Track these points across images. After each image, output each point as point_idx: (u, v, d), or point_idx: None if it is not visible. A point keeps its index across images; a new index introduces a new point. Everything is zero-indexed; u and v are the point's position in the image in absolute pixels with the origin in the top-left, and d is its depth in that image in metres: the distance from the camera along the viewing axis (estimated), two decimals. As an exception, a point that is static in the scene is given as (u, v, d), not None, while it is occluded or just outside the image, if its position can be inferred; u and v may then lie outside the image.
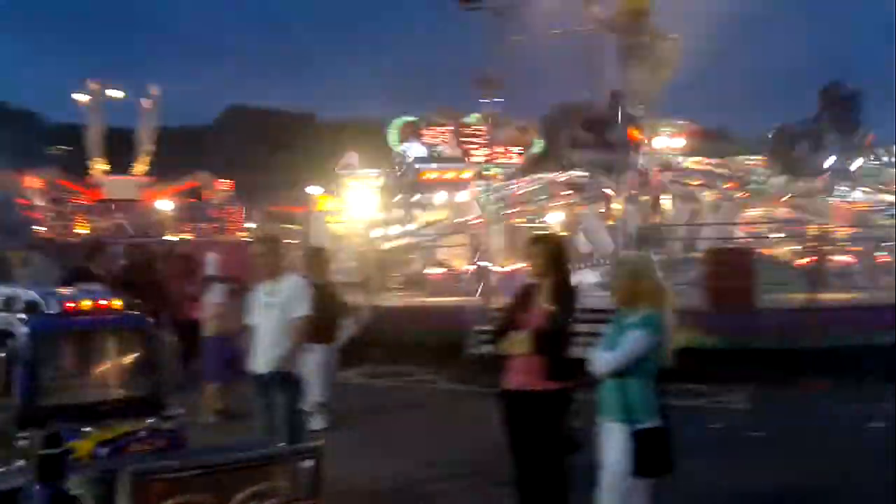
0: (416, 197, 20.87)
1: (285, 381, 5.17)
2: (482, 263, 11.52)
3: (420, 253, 18.44)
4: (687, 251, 13.47)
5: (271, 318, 5.25)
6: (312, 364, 7.59)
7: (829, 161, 13.53)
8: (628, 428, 3.68)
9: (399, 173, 22.35)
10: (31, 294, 4.24)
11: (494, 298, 10.63)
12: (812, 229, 13.41)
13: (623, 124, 15.15)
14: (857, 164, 13.60)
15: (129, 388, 4.37)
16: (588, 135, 15.48)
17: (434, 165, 22.19)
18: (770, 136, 15.64)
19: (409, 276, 17.08)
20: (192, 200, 33.28)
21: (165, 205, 30.15)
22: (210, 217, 30.66)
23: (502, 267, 14.12)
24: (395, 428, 7.71)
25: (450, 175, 21.25)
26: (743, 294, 10.01)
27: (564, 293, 4.31)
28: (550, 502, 4.35)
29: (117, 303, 4.35)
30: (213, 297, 8.25)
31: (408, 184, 21.74)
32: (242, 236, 29.54)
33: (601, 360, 3.79)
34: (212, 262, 9.57)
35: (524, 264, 4.68)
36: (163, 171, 34.37)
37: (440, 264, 16.38)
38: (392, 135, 22.29)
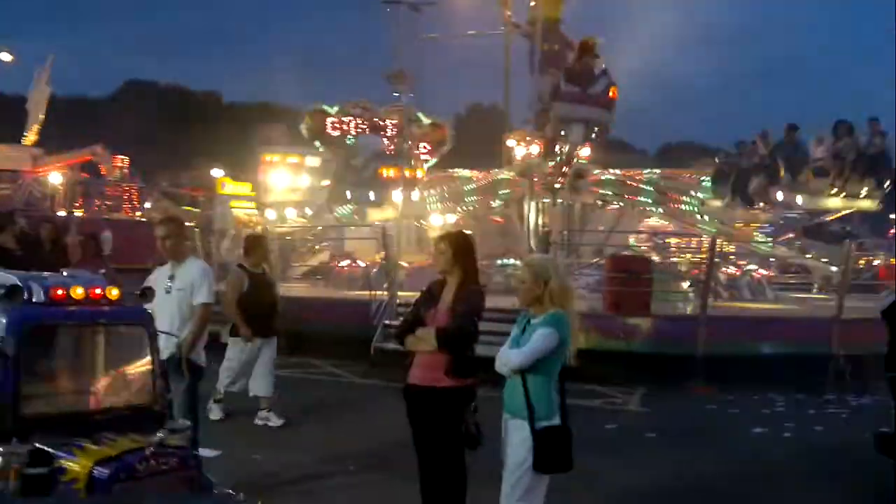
0: (370, 195, 20.45)
1: (183, 367, 5.04)
2: (390, 258, 11.53)
3: (328, 244, 18.31)
4: (595, 256, 13.87)
5: (172, 302, 5.12)
6: (235, 355, 7.59)
7: (779, 195, 14.45)
8: (530, 425, 3.77)
9: (361, 165, 21.95)
10: (10, 278, 3.53)
11: (402, 294, 10.67)
12: (705, 242, 14.03)
13: (604, 80, 15.35)
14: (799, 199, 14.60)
15: (128, 395, 3.77)
16: (572, 88, 15.53)
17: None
18: (717, 161, 16.39)
19: (315, 267, 16.92)
20: (86, 175, 31.85)
21: (56, 178, 28.71)
22: (105, 194, 29.40)
23: (410, 263, 14.18)
24: (298, 420, 7.63)
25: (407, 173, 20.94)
26: (639, 300, 10.41)
27: (471, 291, 4.38)
28: (450, 497, 4.43)
29: (114, 291, 3.65)
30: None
31: (365, 178, 21.37)
32: (138, 216, 28.53)
33: (507, 357, 3.87)
34: (107, 240, 9.25)
35: (432, 260, 4.72)
36: (55, 142, 32.74)
37: (348, 256, 16.27)
38: (306, 123, 21.95)
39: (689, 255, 16.63)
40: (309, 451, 6.52)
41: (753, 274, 14.73)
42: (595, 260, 13.41)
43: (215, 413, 7.51)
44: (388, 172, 21.49)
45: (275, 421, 7.42)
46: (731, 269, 14.71)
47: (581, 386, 8.92)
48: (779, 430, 7.75)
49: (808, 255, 15.65)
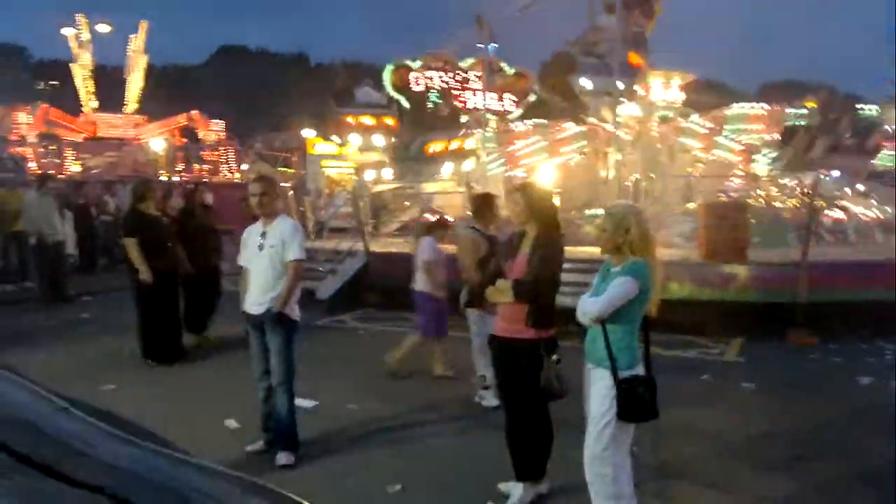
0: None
1: (279, 322, 5.23)
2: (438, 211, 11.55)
3: (416, 200, 18.46)
4: (684, 204, 13.52)
5: (264, 259, 5.29)
6: (479, 329, 6.58)
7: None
8: (613, 375, 3.75)
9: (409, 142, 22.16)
10: None
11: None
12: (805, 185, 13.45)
13: (623, 47, 15.04)
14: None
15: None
16: (589, 59, 15.27)
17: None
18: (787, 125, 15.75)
19: (405, 223, 17.12)
20: (184, 140, 33.03)
21: (158, 144, 29.92)
22: (203, 158, 30.44)
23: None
24: (384, 372, 7.83)
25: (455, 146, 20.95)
26: (735, 247, 10.09)
27: (547, 241, 4.36)
28: (535, 447, 4.48)
29: None
30: (424, 252, 7.57)
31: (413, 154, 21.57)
32: (236, 178, 29.38)
33: (587, 306, 3.84)
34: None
35: (509, 212, 4.70)
36: (153, 109, 34.08)
37: (437, 212, 16.38)
38: (387, 78, 21.97)
39: (792, 200, 15.99)
40: (407, 402, 6.69)
41: (860, 217, 14.04)
42: (688, 206, 13.06)
43: (489, 400, 6.50)
44: (436, 147, 21.43)
45: (490, 401, 6.44)
46: (838, 213, 14.06)
47: (676, 336, 8.79)
48: (889, 379, 7.42)
49: None
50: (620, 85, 15.86)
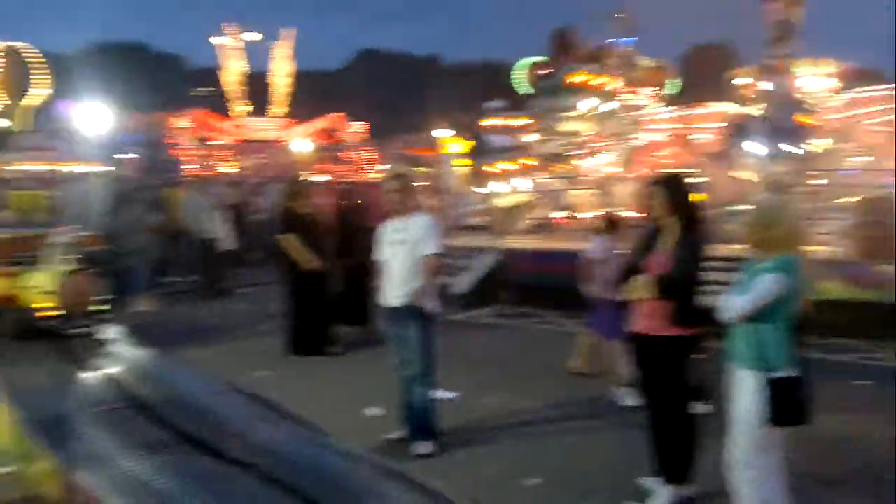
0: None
1: (416, 315, 5.34)
2: (611, 209, 11.29)
3: (548, 197, 18.33)
4: (837, 198, 12.70)
5: (401, 254, 5.41)
6: None
7: None
8: (762, 376, 3.57)
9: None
10: None
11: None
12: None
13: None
14: None
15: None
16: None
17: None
18: None
19: (536, 221, 17.06)
20: (327, 142, 34.30)
21: (303, 145, 31.22)
22: (344, 158, 31.50)
23: (630, 212, 13.83)
24: (529, 367, 7.85)
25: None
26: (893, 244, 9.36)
27: (690, 236, 4.20)
28: (679, 449, 4.34)
29: None
30: (595, 251, 7.19)
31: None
32: (375, 178, 30.20)
33: (732, 304, 3.68)
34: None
35: (645, 207, 4.54)
36: (298, 112, 35.65)
37: (568, 209, 16.23)
38: (519, 77, 21.90)
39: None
40: (540, 399, 6.66)
41: None
42: (841, 202, 12.25)
43: (627, 398, 6.27)
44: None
45: (628, 400, 6.21)
46: None
47: (832, 339, 8.26)
48: None
49: None
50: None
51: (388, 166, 30.91)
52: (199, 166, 28.25)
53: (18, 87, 19.41)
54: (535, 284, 11.07)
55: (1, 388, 5.38)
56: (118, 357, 6.70)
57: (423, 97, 48.20)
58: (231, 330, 10.02)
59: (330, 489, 3.78)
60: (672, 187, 4.34)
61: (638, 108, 20.31)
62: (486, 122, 25.91)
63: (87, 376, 6.07)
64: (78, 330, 7.33)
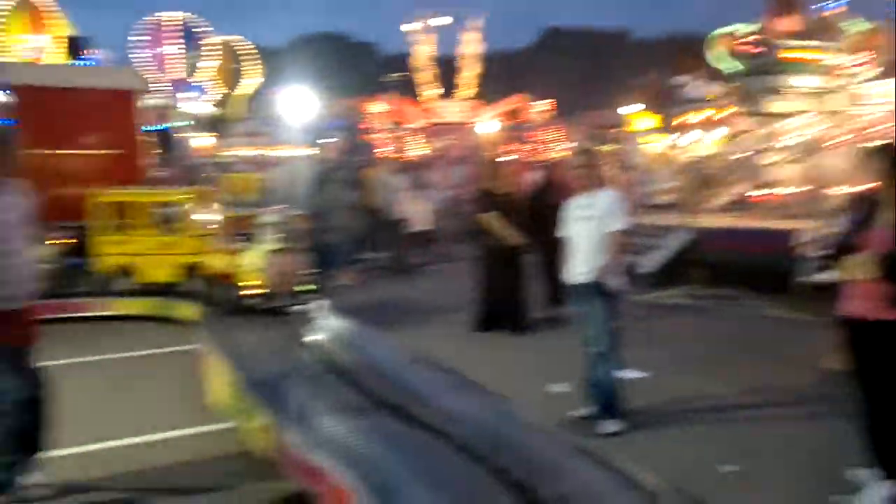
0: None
1: (601, 292, 5.28)
2: (821, 183, 10.47)
3: (744, 172, 17.29)
4: None
5: (587, 230, 5.35)
6: None
7: None
8: None
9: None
10: None
11: (833, 221, 9.64)
12: None
13: None
14: None
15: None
16: None
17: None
18: None
19: (733, 197, 16.16)
20: (513, 121, 34.45)
21: (490, 126, 31.59)
22: (531, 138, 31.51)
23: (845, 187, 12.71)
24: (721, 350, 7.52)
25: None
26: None
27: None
28: (896, 442, 3.98)
29: None
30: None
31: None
32: (561, 157, 29.95)
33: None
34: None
35: (864, 179, 4.13)
36: (485, 93, 36.06)
37: (768, 185, 15.21)
38: (711, 50, 20.64)
39: None
40: (728, 382, 6.37)
41: None
42: None
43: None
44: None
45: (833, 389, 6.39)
46: None
47: None
48: None
49: None
50: None
51: (573, 144, 30.56)
52: (391, 149, 29.37)
53: (233, 77, 21.12)
54: (731, 265, 10.51)
55: (222, 352, 5.94)
56: (321, 327, 7.17)
57: (611, 73, 47.04)
58: (423, 304, 10.41)
59: (518, 461, 3.84)
60: (893, 157, 3.95)
61: (853, 76, 18.62)
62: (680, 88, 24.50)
63: (295, 344, 6.54)
64: (285, 304, 7.68)
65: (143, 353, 7.94)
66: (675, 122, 22.35)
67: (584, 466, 3.78)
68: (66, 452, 4.82)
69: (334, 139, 22.44)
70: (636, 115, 28.98)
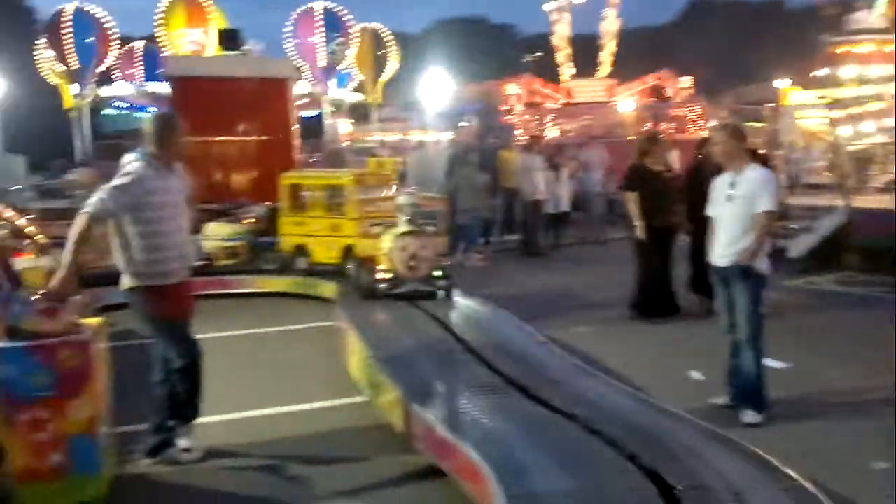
0: None
1: (745, 275, 5.01)
2: None
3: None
4: None
5: (733, 210, 5.09)
6: None
7: None
8: None
9: None
10: None
11: None
12: None
13: None
14: None
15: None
16: None
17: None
18: None
19: (893, 176, 14.91)
20: (653, 99, 33.35)
21: (627, 105, 30.75)
22: (671, 115, 30.41)
23: None
24: (865, 341, 6.98)
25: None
26: None
27: None
28: None
29: None
30: None
31: None
32: (702, 135, 28.72)
33: None
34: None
35: None
36: (626, 71, 35.05)
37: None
38: (882, 9, 18.90)
39: None
40: (878, 376, 5.86)
41: None
42: None
43: None
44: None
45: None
46: None
47: None
48: None
49: None
50: None
51: (718, 122, 29.20)
52: (529, 130, 29.20)
53: (375, 64, 21.64)
54: (887, 251, 9.71)
55: (357, 329, 6.12)
56: (452, 306, 7.26)
57: (762, 46, 44.44)
58: (555, 287, 10.30)
59: (651, 446, 3.73)
60: None
61: None
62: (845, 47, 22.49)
63: (427, 322, 6.65)
64: (416, 289, 7.62)
65: (288, 328, 8.32)
66: (837, 52, 20.49)
67: (722, 456, 3.62)
68: (213, 420, 5.13)
69: (469, 122, 22.57)
70: (791, 90, 27.34)
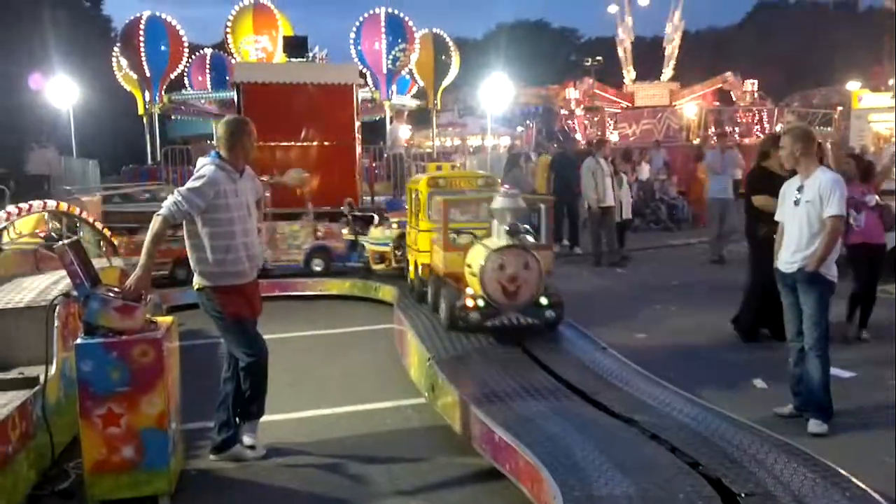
0: None
1: (812, 282, 4.89)
2: None
3: None
4: None
5: (800, 215, 4.98)
6: None
7: None
8: None
9: None
10: None
11: None
12: None
13: None
14: None
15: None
16: None
17: None
18: None
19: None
20: (717, 103, 32.69)
21: (690, 109, 30.22)
22: (735, 120, 29.74)
23: None
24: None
25: None
26: None
27: None
28: None
29: None
30: None
31: None
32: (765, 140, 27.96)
33: None
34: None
35: None
36: (689, 74, 34.44)
37: None
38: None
39: None
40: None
41: None
42: None
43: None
44: None
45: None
46: None
47: None
48: None
49: None
50: None
51: (781, 126, 28.43)
52: (589, 134, 28.92)
53: (437, 69, 21.77)
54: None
55: (416, 332, 6.17)
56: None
57: (832, 48, 43.12)
58: (616, 294, 10.19)
59: (714, 453, 3.68)
60: None
61: None
62: None
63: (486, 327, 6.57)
64: (520, 317, 5.93)
65: (351, 329, 8.43)
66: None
67: (787, 465, 3.54)
68: (277, 418, 5.24)
69: (526, 127, 22.45)
70: (862, 92, 26.51)
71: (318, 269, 10.54)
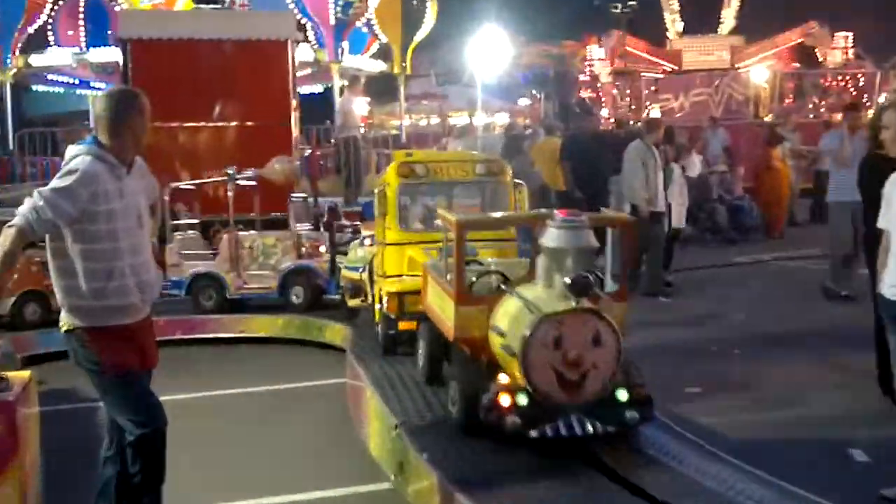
0: None
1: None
2: None
3: None
4: None
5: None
6: None
7: None
8: None
9: None
10: None
11: None
12: None
13: None
14: None
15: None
16: None
17: None
18: None
19: None
20: (797, 65, 32.98)
21: (760, 73, 30.32)
22: (823, 86, 29.97)
23: None
24: None
25: None
26: None
27: None
28: None
29: None
30: None
31: None
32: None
33: None
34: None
35: None
36: (759, 25, 34.60)
37: None
38: None
39: None
40: None
41: None
42: None
43: None
44: None
45: None
46: None
47: None
48: None
49: None
50: None
51: (884, 96, 28.65)
52: (620, 108, 29.09)
53: (400, 21, 21.89)
54: None
55: (377, 388, 6.17)
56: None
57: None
58: (659, 333, 10.12)
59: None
60: None
61: None
62: None
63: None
64: (585, 422, 4.93)
65: (283, 386, 8.41)
66: None
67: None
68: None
69: (528, 100, 22.47)
70: None
71: (296, 300, 10.47)
